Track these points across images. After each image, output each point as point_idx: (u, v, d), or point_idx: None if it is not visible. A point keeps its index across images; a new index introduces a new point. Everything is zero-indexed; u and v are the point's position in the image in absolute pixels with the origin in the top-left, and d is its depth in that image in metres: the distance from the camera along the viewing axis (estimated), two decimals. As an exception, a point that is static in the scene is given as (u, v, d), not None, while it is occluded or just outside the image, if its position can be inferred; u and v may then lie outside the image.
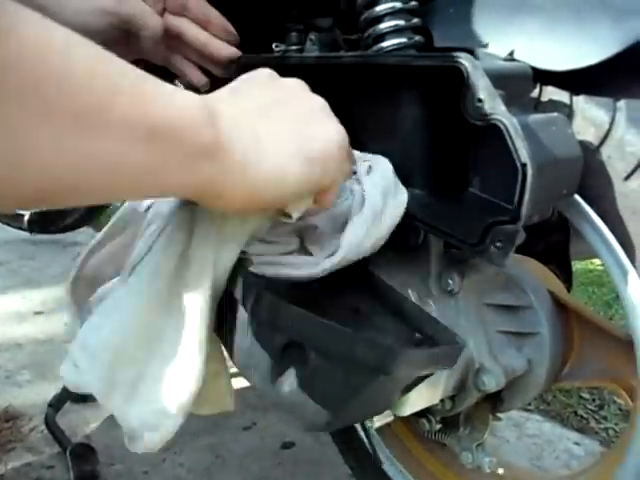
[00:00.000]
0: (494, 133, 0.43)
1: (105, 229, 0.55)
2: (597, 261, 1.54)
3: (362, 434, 0.82)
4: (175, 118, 0.34)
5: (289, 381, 0.43)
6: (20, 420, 1.23)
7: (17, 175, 0.29)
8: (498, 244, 0.44)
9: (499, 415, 0.65)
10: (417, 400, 0.54)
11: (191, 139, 0.34)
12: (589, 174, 0.50)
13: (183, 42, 0.65)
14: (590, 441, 1.22)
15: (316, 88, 0.45)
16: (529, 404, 1.28)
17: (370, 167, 0.51)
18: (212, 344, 0.47)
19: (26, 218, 1.76)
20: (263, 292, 0.42)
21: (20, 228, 1.82)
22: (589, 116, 0.51)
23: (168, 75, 0.66)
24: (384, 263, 0.53)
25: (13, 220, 1.83)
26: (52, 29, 0.30)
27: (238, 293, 0.45)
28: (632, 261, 0.50)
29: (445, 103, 0.48)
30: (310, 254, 0.49)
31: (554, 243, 0.67)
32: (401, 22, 0.56)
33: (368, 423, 0.58)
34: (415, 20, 0.57)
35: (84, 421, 1.20)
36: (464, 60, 0.44)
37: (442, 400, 0.59)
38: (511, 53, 0.50)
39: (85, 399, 1.19)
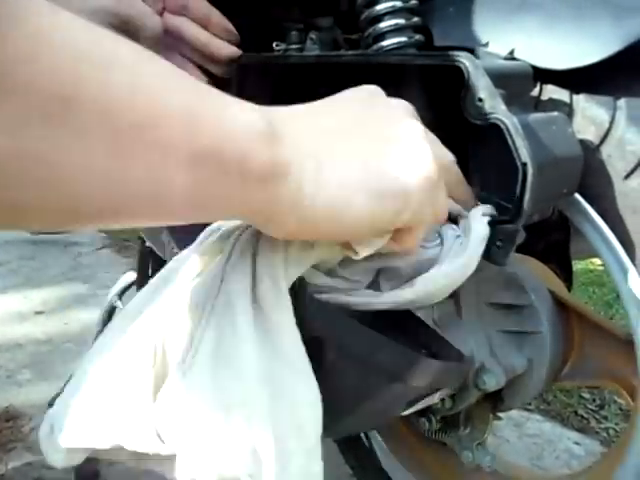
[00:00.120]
0: (494, 132, 0.43)
1: None
2: (597, 261, 1.54)
3: (362, 434, 0.82)
4: (226, 140, 0.29)
5: None
6: (20, 420, 1.23)
7: (45, 193, 0.25)
8: (498, 243, 0.44)
9: (499, 414, 0.65)
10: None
11: (241, 165, 0.30)
12: (589, 173, 0.50)
13: (183, 42, 0.64)
14: (590, 441, 1.22)
15: (316, 87, 0.45)
16: (529, 404, 1.28)
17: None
18: None
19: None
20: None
21: (20, 228, 1.82)
22: (589, 115, 0.51)
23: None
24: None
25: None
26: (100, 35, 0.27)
27: None
28: (632, 260, 0.50)
29: (445, 102, 0.48)
30: (379, 289, 0.44)
31: (554, 242, 0.67)
32: (401, 21, 0.56)
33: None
34: (415, 19, 0.57)
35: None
36: (464, 59, 0.44)
37: (442, 399, 0.59)
38: (511, 52, 0.50)
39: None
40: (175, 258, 0.42)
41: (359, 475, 0.88)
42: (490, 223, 0.44)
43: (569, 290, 0.69)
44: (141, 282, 1.04)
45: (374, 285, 0.44)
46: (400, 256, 0.43)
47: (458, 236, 0.45)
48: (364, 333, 0.39)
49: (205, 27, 0.64)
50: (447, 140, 0.47)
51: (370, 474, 0.83)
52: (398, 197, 0.35)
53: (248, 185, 0.30)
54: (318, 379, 0.36)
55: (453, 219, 0.47)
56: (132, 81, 0.27)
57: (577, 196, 0.51)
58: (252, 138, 0.30)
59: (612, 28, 0.47)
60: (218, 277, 0.37)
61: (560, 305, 0.60)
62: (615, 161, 0.50)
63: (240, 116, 0.30)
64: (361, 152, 0.35)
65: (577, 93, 0.52)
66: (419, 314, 0.49)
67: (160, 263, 0.48)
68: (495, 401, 0.62)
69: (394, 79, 0.51)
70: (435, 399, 0.57)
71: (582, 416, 1.29)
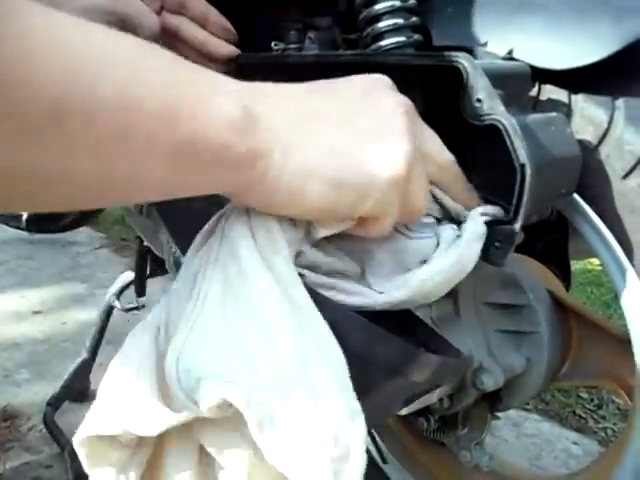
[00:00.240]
0: (493, 133, 0.43)
1: None
2: (596, 261, 1.54)
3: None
4: (203, 134, 0.31)
5: None
6: (18, 419, 1.23)
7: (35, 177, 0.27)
8: (497, 244, 0.44)
9: (497, 414, 0.65)
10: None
11: (216, 156, 0.32)
12: (588, 173, 0.50)
13: (181, 41, 0.64)
14: (588, 441, 1.22)
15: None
16: (527, 403, 1.28)
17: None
18: None
19: (24, 217, 1.76)
20: None
21: (18, 227, 1.81)
22: (588, 115, 0.51)
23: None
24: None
25: (11, 219, 1.82)
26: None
27: None
28: (630, 260, 0.50)
29: (444, 102, 0.48)
30: (369, 286, 0.44)
31: (553, 242, 0.67)
32: (400, 21, 0.56)
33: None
34: (414, 19, 0.57)
35: (83, 420, 1.20)
36: (463, 60, 0.44)
37: (440, 399, 0.59)
38: (510, 52, 0.50)
39: (83, 398, 1.19)
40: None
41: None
42: (488, 223, 0.44)
43: (567, 290, 0.69)
44: (139, 282, 1.04)
45: (362, 282, 0.44)
46: (376, 242, 0.43)
47: (458, 236, 0.45)
48: (363, 326, 0.39)
49: (203, 26, 0.64)
50: (446, 140, 0.47)
51: (369, 473, 0.83)
52: (357, 188, 0.36)
53: (222, 171, 0.33)
54: None
55: (453, 219, 0.47)
56: (124, 80, 0.28)
57: (575, 196, 0.51)
58: (229, 129, 0.32)
59: (610, 28, 0.47)
60: (217, 238, 0.38)
61: (558, 305, 0.60)
62: (613, 161, 0.50)
63: (220, 108, 0.32)
64: (332, 139, 0.36)
65: (575, 93, 0.52)
66: (417, 313, 0.49)
67: (158, 263, 0.47)
68: (493, 401, 0.63)
69: (393, 79, 0.51)
70: (433, 398, 0.57)
71: (580, 416, 1.29)
